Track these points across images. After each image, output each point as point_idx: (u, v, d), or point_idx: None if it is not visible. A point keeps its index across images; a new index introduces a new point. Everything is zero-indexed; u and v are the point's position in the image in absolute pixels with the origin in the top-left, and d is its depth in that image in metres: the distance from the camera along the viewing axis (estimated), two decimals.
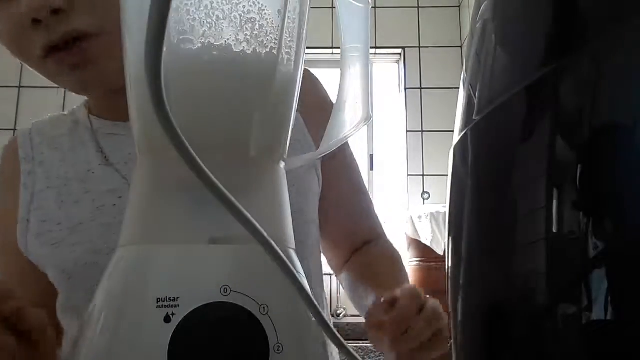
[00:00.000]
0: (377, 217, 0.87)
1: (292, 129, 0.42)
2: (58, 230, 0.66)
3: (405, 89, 2.73)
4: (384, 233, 0.86)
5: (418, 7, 2.73)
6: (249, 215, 0.32)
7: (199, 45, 0.36)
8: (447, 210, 0.31)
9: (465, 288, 0.28)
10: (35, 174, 0.70)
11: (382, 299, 0.60)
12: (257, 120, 0.38)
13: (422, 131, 2.63)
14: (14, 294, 0.43)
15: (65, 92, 2.51)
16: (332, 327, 0.34)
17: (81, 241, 0.65)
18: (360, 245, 0.83)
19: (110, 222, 0.65)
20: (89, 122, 0.73)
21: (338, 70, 0.51)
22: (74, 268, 0.64)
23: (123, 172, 0.68)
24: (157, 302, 0.34)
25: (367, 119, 0.50)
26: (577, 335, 0.20)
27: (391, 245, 0.85)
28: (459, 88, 0.32)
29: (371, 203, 0.87)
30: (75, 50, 0.61)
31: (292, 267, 0.33)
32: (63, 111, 0.79)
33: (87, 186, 0.68)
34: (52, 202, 0.68)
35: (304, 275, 0.38)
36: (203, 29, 0.36)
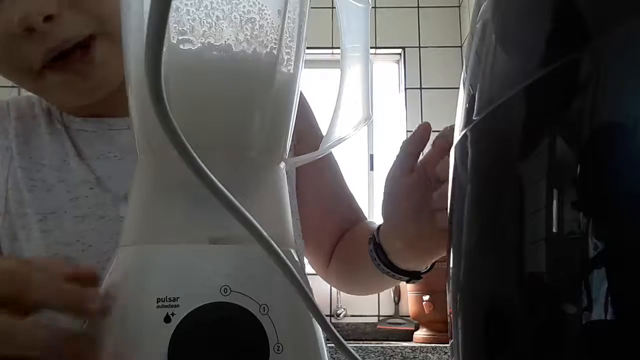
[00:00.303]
0: (357, 204, 0.84)
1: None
2: (31, 213, 0.65)
3: (405, 89, 2.73)
4: (366, 218, 0.84)
5: (418, 7, 2.73)
6: (249, 215, 0.32)
7: (199, 45, 0.36)
8: (447, 210, 0.31)
9: (465, 288, 0.28)
10: (11, 149, 0.68)
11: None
12: (257, 120, 0.38)
13: None
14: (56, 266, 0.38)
15: None
16: (332, 327, 0.34)
17: (52, 230, 0.64)
18: (343, 233, 0.81)
19: (83, 214, 0.64)
20: (59, 116, 0.71)
21: (338, 70, 0.51)
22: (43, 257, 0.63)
23: (93, 167, 0.67)
24: (157, 302, 0.34)
25: (367, 119, 0.50)
26: (577, 335, 0.20)
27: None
28: (459, 88, 0.32)
29: (350, 190, 0.84)
30: (78, 55, 0.60)
31: (292, 267, 0.33)
32: None
33: (62, 175, 0.66)
34: (22, 184, 0.66)
35: (304, 275, 0.38)
36: (203, 29, 0.36)
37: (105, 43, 0.61)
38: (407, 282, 0.67)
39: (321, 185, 0.80)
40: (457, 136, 0.30)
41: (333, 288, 2.33)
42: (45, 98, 0.69)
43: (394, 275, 0.65)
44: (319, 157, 0.49)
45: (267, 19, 0.38)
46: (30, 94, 0.74)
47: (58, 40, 0.59)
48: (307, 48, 0.42)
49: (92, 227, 0.63)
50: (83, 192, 0.65)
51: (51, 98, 0.68)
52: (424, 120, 2.67)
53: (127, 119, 0.68)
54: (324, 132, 0.51)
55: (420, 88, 2.71)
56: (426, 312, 2.09)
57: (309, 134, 0.77)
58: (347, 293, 0.88)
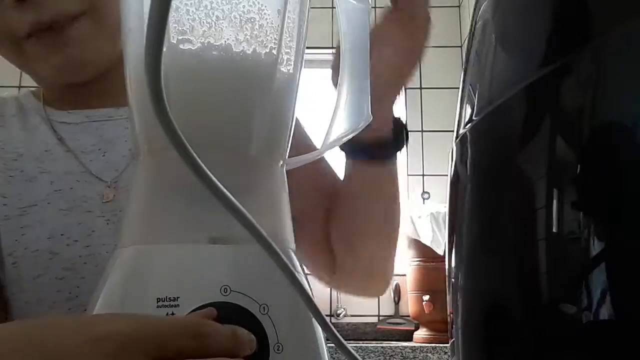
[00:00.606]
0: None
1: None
2: (11, 206, 0.61)
3: (405, 89, 2.72)
4: None
5: None
6: (248, 215, 0.32)
7: (199, 45, 0.36)
8: (447, 210, 0.31)
9: (465, 288, 0.28)
10: None
11: None
12: (257, 120, 0.38)
13: (422, 131, 2.63)
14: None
15: None
16: (332, 327, 0.34)
17: (34, 224, 0.61)
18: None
19: (68, 207, 0.62)
20: (40, 109, 0.69)
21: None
22: (23, 252, 0.60)
23: (81, 159, 0.65)
24: (157, 302, 0.34)
25: (367, 119, 0.50)
26: (577, 335, 0.20)
27: None
28: (459, 88, 0.32)
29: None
30: (62, 30, 0.59)
31: (292, 267, 0.33)
32: None
33: (44, 165, 0.64)
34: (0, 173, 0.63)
35: (304, 275, 0.38)
36: (203, 29, 0.36)
37: (92, 22, 0.61)
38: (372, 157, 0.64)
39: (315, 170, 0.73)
40: (457, 136, 0.30)
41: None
42: (27, 71, 0.67)
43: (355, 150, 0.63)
44: (318, 157, 0.49)
45: (266, 18, 0.38)
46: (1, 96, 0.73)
47: (49, 13, 0.58)
48: (307, 48, 0.42)
49: (79, 220, 0.61)
50: (68, 184, 0.63)
51: (32, 70, 0.66)
52: (424, 120, 2.63)
53: (111, 110, 0.68)
54: (323, 133, 0.51)
55: (420, 88, 2.71)
56: (426, 312, 2.09)
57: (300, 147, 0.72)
58: (349, 275, 0.76)
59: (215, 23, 0.36)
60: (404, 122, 0.66)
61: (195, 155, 0.30)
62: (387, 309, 2.41)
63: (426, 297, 2.08)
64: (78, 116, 0.68)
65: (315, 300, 0.34)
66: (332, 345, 0.34)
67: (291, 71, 0.40)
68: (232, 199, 0.31)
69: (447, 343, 0.30)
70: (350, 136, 0.50)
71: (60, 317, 0.31)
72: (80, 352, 0.27)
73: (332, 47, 2.63)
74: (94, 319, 0.31)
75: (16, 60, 0.64)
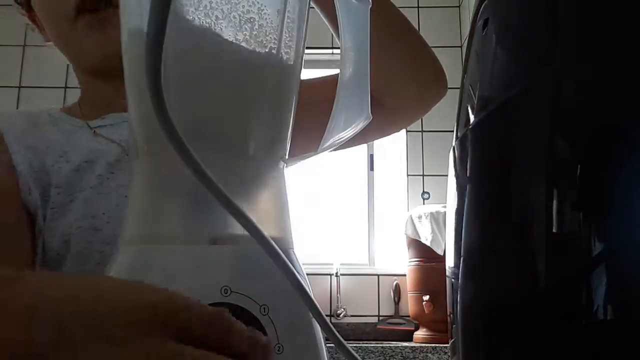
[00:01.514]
0: None
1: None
2: (56, 193, 0.67)
3: None
4: None
5: (418, 7, 2.73)
6: (248, 215, 0.32)
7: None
8: (447, 210, 0.31)
9: (465, 288, 0.28)
10: (36, 149, 0.70)
11: None
12: (257, 120, 0.38)
13: (422, 131, 2.63)
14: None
15: (65, 91, 2.51)
16: (332, 327, 0.34)
17: (80, 206, 0.67)
18: None
19: (106, 192, 0.67)
20: (72, 119, 0.74)
21: (338, 70, 0.51)
22: (69, 230, 0.66)
23: (124, 145, 0.70)
24: None
25: (367, 119, 0.50)
26: (577, 335, 0.20)
27: None
28: (459, 88, 0.32)
29: None
30: (105, 12, 0.67)
31: (292, 267, 0.33)
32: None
33: (85, 156, 0.69)
34: (48, 165, 0.69)
35: (304, 275, 0.38)
36: (202, 28, 0.36)
37: None
38: None
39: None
40: (457, 136, 0.30)
41: (333, 288, 2.32)
42: (75, 49, 0.73)
43: None
44: (318, 155, 0.49)
45: (266, 18, 0.38)
46: (21, 110, 0.78)
47: None
48: (307, 48, 0.42)
49: (115, 203, 0.67)
50: (107, 173, 0.69)
51: (80, 45, 0.72)
52: (424, 120, 2.62)
53: None
54: (324, 128, 0.51)
55: None
56: (426, 312, 2.09)
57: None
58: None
59: (214, 23, 0.36)
60: None
61: (194, 155, 0.30)
62: (387, 309, 2.41)
63: (426, 297, 2.08)
64: (113, 118, 0.73)
65: (315, 300, 0.34)
66: (332, 345, 0.34)
67: (291, 71, 0.40)
68: (232, 199, 0.31)
69: (447, 343, 0.30)
70: (350, 136, 0.50)
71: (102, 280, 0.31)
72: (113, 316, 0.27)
73: (332, 47, 2.64)
74: (134, 287, 0.30)
75: (68, 37, 0.72)
